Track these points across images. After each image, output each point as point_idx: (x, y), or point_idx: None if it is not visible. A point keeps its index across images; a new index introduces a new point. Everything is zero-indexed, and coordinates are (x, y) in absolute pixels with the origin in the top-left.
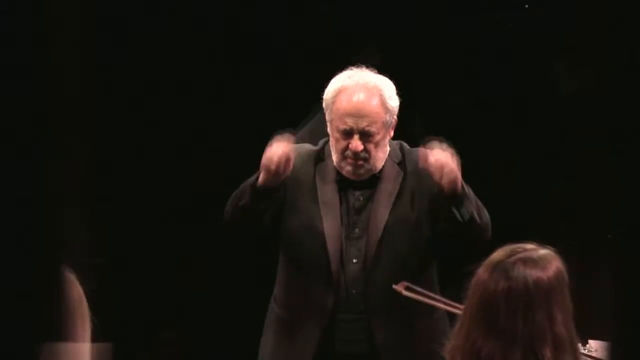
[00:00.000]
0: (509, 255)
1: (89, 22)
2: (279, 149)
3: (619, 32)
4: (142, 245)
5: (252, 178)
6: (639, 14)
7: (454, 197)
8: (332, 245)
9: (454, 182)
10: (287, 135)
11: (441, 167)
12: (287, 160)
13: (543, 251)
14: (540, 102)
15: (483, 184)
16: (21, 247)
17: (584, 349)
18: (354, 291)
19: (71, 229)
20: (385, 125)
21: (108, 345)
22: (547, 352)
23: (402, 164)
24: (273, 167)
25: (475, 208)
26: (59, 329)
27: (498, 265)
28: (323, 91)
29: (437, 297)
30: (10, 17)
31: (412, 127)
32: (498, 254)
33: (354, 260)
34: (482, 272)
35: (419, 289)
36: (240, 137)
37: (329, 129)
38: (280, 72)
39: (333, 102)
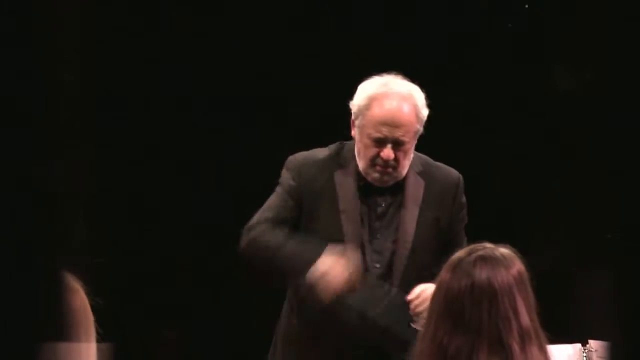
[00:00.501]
0: (469, 254)
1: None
2: (342, 275)
3: (619, 32)
4: (142, 245)
5: (305, 262)
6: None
7: None
8: (355, 254)
9: None
10: (348, 252)
11: (424, 300)
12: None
13: (502, 249)
14: (540, 102)
15: (484, 184)
16: (21, 247)
17: (584, 349)
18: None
19: (71, 229)
20: (415, 134)
21: (108, 345)
22: (514, 343)
23: (422, 174)
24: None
25: None
26: (59, 330)
27: (459, 264)
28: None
29: None
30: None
31: None
32: (458, 255)
33: (377, 265)
34: (444, 273)
35: None
36: (241, 137)
37: (356, 134)
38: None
39: (367, 109)
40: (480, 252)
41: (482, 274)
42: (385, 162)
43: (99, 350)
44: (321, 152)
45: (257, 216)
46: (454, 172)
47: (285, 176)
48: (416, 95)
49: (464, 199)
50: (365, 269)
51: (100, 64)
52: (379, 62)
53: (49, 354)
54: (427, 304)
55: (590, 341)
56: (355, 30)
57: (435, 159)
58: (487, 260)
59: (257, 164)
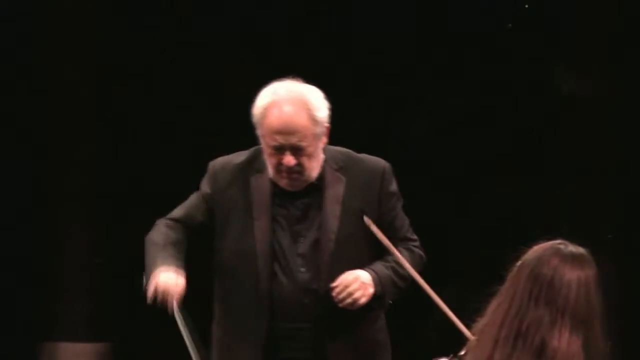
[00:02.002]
0: (556, 248)
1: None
2: (164, 289)
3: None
4: (142, 245)
5: (150, 265)
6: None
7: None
8: (263, 259)
9: (355, 303)
10: (172, 270)
11: (344, 287)
12: (169, 296)
13: (582, 249)
14: (540, 102)
15: (485, 184)
16: (21, 246)
17: None
18: (306, 301)
19: (71, 229)
20: (315, 137)
21: (108, 345)
22: (597, 327)
23: (342, 169)
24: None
25: (393, 289)
26: (59, 329)
27: (547, 257)
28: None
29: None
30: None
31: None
32: (542, 250)
33: (302, 269)
34: (525, 265)
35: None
36: (241, 137)
37: (262, 143)
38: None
39: (262, 119)
40: (570, 249)
41: (573, 271)
42: (289, 169)
43: (99, 350)
44: (240, 157)
45: (172, 212)
46: (379, 162)
47: (204, 182)
48: (308, 98)
49: (392, 187)
50: (291, 273)
51: (100, 65)
52: (378, 62)
53: (49, 354)
54: (349, 289)
55: None
56: (354, 30)
57: (435, 159)
58: (579, 258)
59: None
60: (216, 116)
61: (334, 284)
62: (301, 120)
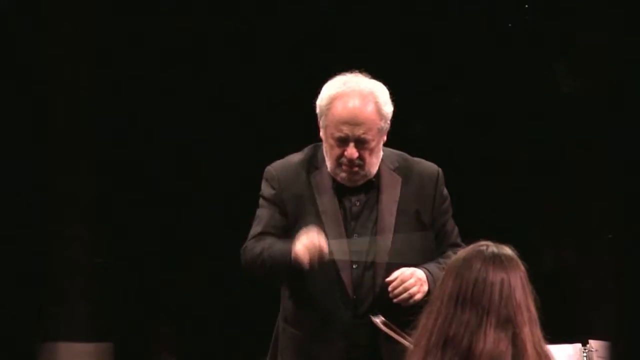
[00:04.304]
0: (479, 252)
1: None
2: (314, 244)
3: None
4: (142, 245)
5: (283, 252)
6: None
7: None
8: (338, 254)
9: (411, 298)
10: (313, 228)
11: (401, 282)
12: (322, 252)
13: (507, 249)
14: (540, 102)
15: (486, 184)
16: (21, 246)
17: (584, 349)
18: (354, 297)
19: (72, 228)
20: (379, 131)
21: (108, 345)
22: (523, 324)
23: (398, 170)
24: (314, 263)
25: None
26: (59, 329)
27: (471, 261)
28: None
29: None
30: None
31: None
32: (466, 252)
33: (354, 266)
34: (451, 272)
35: (394, 326)
36: (240, 136)
37: (322, 135)
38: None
39: (328, 109)
40: (492, 249)
41: (496, 272)
42: (350, 161)
43: (99, 350)
44: (296, 157)
45: (249, 235)
46: (432, 166)
47: (265, 186)
48: (378, 92)
49: (445, 191)
50: (343, 269)
51: (100, 67)
52: (379, 63)
53: (49, 354)
54: (406, 284)
55: (590, 341)
56: (355, 31)
57: (437, 160)
58: (501, 258)
59: (251, 167)
60: (215, 116)
61: (390, 279)
62: (369, 113)
